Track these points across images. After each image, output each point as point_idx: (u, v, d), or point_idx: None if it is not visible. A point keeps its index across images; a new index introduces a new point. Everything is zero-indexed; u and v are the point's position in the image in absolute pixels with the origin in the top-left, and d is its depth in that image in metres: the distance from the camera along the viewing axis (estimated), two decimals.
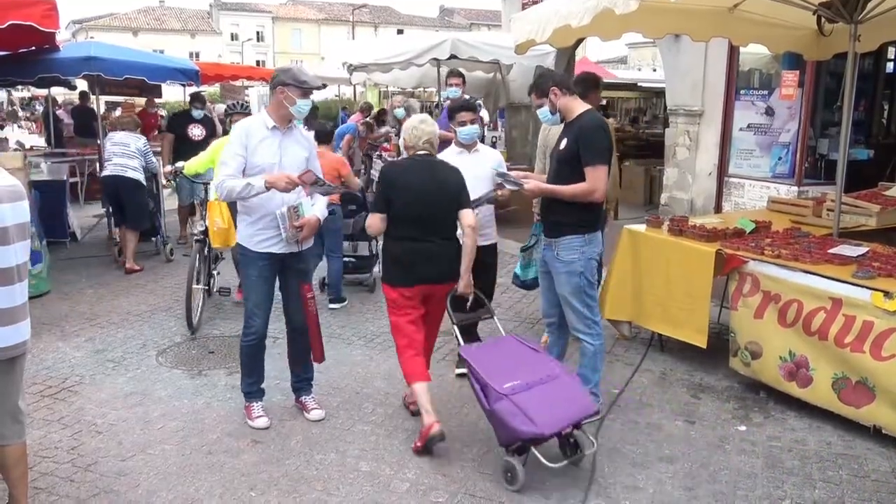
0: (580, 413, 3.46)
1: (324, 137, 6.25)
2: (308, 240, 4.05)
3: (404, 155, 4.14)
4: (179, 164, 6.28)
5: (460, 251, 3.92)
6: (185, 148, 8.20)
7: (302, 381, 4.29)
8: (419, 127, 3.96)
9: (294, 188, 3.81)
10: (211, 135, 8.86)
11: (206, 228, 5.78)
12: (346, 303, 6.38)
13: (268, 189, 3.77)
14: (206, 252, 5.98)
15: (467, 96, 7.85)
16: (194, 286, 5.72)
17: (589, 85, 4.93)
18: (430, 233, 3.86)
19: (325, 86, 4.52)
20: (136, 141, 7.67)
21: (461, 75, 7.82)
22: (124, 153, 7.51)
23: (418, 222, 3.83)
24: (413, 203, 3.81)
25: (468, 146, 4.63)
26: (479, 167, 4.47)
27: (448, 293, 3.95)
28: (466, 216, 3.90)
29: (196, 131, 8.93)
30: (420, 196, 3.82)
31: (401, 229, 3.85)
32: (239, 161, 3.84)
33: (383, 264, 4.07)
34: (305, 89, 3.84)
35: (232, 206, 5.12)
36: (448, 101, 7.57)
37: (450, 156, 4.51)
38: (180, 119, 9.32)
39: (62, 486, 3.44)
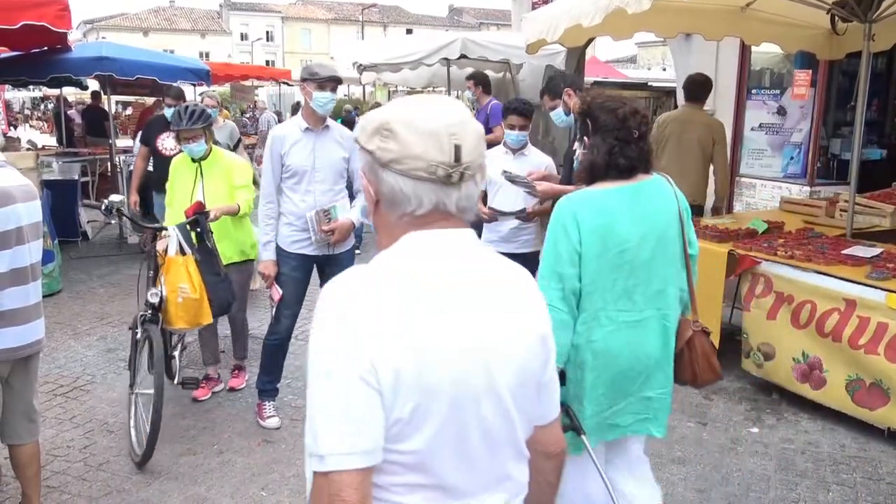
0: None
1: None
2: (341, 243, 4.02)
3: None
4: (116, 197, 3.95)
5: None
6: (158, 167, 6.15)
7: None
8: None
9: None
10: None
11: (162, 300, 3.76)
12: None
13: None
14: (150, 338, 3.72)
15: (491, 97, 7.84)
16: (131, 394, 3.92)
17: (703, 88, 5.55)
18: None
19: (339, 80, 4.19)
20: None
21: (473, 77, 7.81)
22: None
23: None
24: None
25: (514, 150, 4.31)
26: (524, 172, 4.14)
27: None
28: None
29: (169, 143, 6.18)
30: None
31: None
32: (275, 181, 3.90)
33: None
34: (319, 81, 3.79)
35: (206, 264, 3.87)
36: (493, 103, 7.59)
37: (493, 156, 4.22)
38: (155, 125, 6.56)
39: (74, 485, 3.46)
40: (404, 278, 1.19)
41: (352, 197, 4.16)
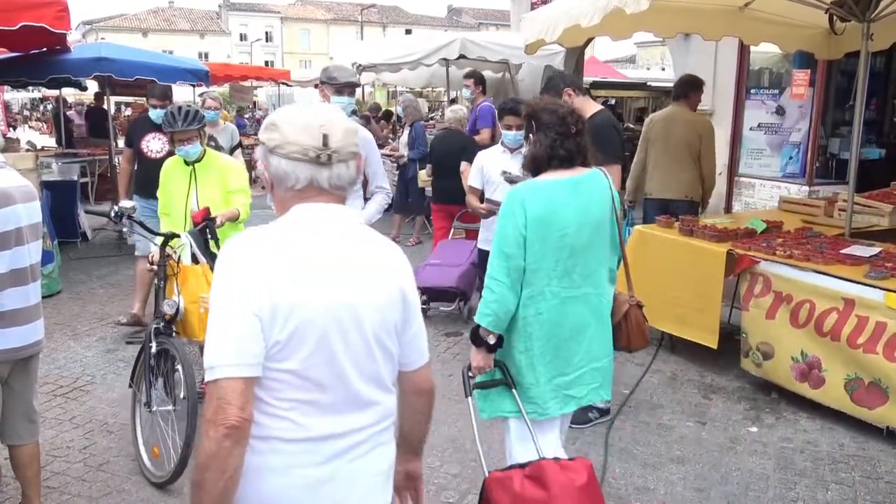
0: None
1: None
2: None
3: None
4: (127, 203, 3.81)
5: None
6: (142, 170, 5.87)
7: None
8: None
9: None
10: None
11: (179, 310, 3.58)
12: None
13: None
14: (169, 351, 3.55)
15: (486, 97, 7.84)
16: (138, 408, 3.71)
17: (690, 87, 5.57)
18: None
19: (357, 84, 4.14)
20: None
21: (473, 76, 7.81)
22: None
23: None
24: None
25: (512, 149, 4.35)
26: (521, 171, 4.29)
27: None
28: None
29: (155, 144, 5.87)
30: None
31: None
32: None
33: None
34: (336, 85, 3.84)
35: None
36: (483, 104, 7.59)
37: (491, 155, 4.43)
38: (140, 126, 6.07)
39: (74, 486, 3.46)
40: (287, 236, 1.52)
41: (366, 199, 4.15)
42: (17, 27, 5.45)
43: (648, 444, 3.94)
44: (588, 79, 13.50)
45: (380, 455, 1.63)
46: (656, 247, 5.07)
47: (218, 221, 3.94)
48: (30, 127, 28.81)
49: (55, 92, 14.76)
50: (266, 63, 51.21)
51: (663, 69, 24.03)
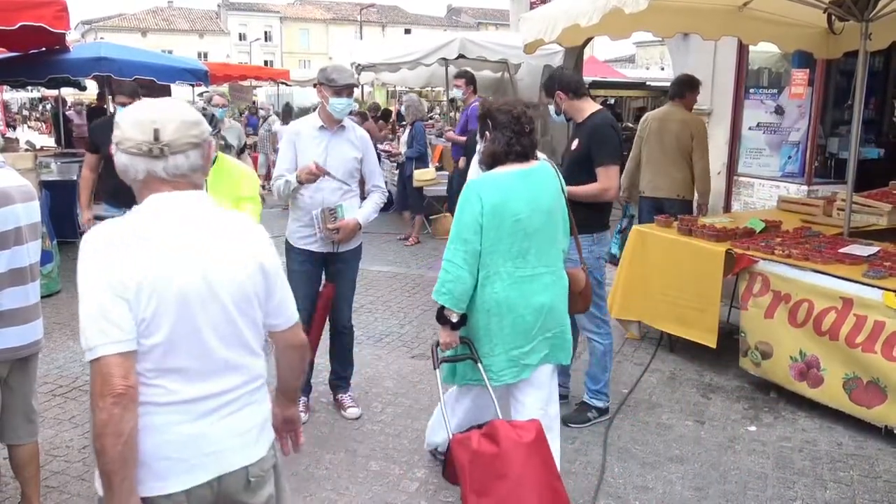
0: None
1: None
2: (347, 242, 4.03)
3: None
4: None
5: None
6: (111, 177, 5.44)
7: (340, 379, 4.32)
8: None
9: (315, 180, 3.82)
10: None
11: None
12: None
13: (300, 184, 3.81)
14: None
15: (477, 97, 7.85)
16: None
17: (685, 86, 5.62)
18: None
19: (356, 84, 4.12)
20: None
21: (464, 76, 7.81)
22: None
23: None
24: None
25: None
26: None
27: None
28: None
29: None
30: None
31: None
32: (289, 158, 3.91)
33: None
34: (336, 88, 3.83)
35: None
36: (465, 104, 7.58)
37: None
38: (107, 128, 5.09)
39: (73, 485, 3.46)
40: (142, 223, 1.69)
41: (363, 198, 4.18)
42: (17, 27, 5.44)
43: (647, 443, 3.94)
44: (587, 78, 13.48)
45: (250, 413, 1.83)
46: (655, 246, 5.08)
47: None
48: (29, 127, 28.81)
49: (54, 92, 14.77)
50: (265, 63, 51.19)
51: (662, 69, 24.03)
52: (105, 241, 1.66)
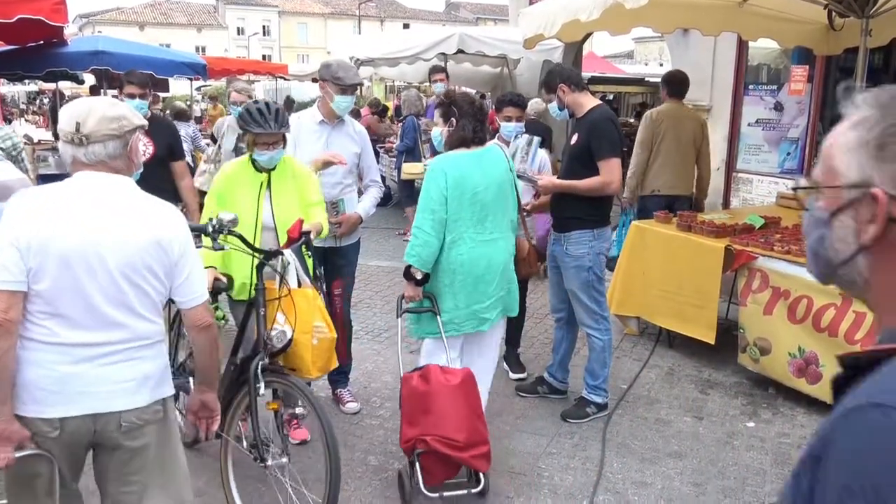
0: None
1: None
2: (347, 236, 4.02)
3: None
4: (227, 216, 2.95)
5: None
6: None
7: (339, 374, 4.28)
8: None
9: (326, 167, 3.82)
10: (168, 154, 4.69)
11: (291, 340, 2.96)
12: None
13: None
14: (287, 394, 3.26)
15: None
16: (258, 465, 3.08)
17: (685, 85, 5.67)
18: None
19: (362, 83, 4.10)
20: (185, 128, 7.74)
21: (444, 70, 7.84)
22: None
23: None
24: None
25: (509, 142, 4.31)
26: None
27: None
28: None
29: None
30: None
31: None
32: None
33: None
34: (342, 86, 3.83)
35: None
36: (434, 98, 7.60)
37: None
38: None
39: None
40: (55, 192, 2.04)
41: (361, 192, 4.18)
42: (14, 20, 5.43)
43: (646, 438, 3.95)
44: (586, 74, 13.44)
45: (130, 367, 2.09)
46: (654, 242, 5.08)
47: (312, 235, 3.29)
48: (26, 120, 28.69)
49: (52, 85, 14.71)
50: (263, 57, 51.00)
51: (661, 65, 23.98)
52: (19, 202, 2.00)
